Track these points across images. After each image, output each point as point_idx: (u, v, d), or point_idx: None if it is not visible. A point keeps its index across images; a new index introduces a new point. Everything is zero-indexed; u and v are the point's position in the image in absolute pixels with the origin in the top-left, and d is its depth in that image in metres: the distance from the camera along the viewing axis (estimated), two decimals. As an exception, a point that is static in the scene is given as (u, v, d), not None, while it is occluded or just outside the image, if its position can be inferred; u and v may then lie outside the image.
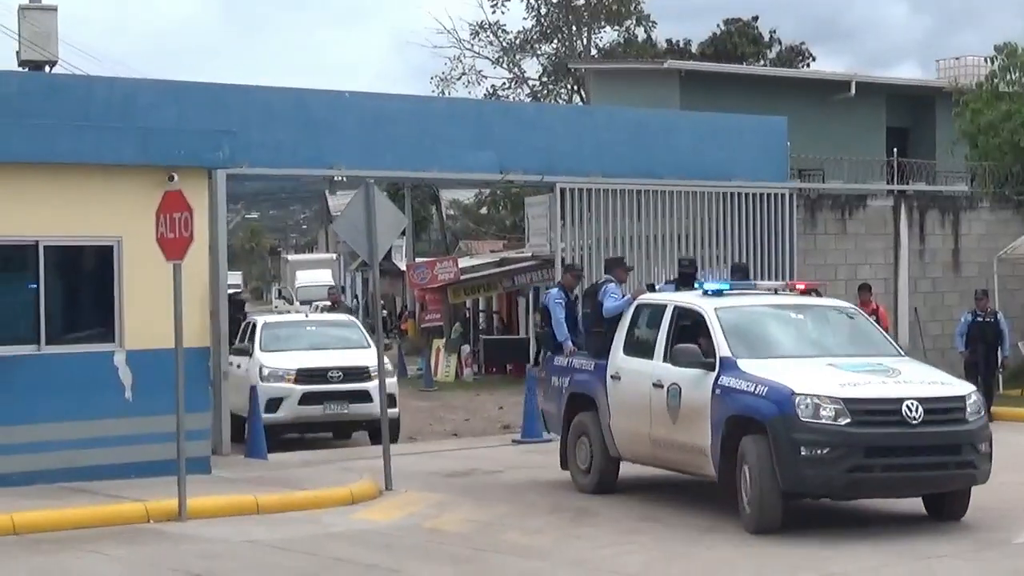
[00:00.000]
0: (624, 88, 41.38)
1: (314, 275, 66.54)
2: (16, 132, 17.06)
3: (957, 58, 40.77)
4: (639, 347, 16.16)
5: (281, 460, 19.86)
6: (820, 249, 29.31)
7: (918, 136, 39.84)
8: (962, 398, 13.92)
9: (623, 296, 17.07)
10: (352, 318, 26.39)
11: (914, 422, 13.41)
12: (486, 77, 58.24)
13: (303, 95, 23.01)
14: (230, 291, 25.26)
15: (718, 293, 15.71)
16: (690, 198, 26.47)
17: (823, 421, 13.38)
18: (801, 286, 16.84)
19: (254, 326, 24.48)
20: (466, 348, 40.88)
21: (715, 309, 15.14)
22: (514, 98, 56.83)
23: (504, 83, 58.49)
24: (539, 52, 58.25)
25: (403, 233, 33.99)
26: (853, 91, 38.48)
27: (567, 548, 13.56)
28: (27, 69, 22.35)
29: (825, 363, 14.36)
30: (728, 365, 14.44)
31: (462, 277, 41.03)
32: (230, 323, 24.15)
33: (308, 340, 24.25)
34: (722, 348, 14.59)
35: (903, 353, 15.48)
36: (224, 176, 20.01)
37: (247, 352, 23.51)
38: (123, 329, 17.23)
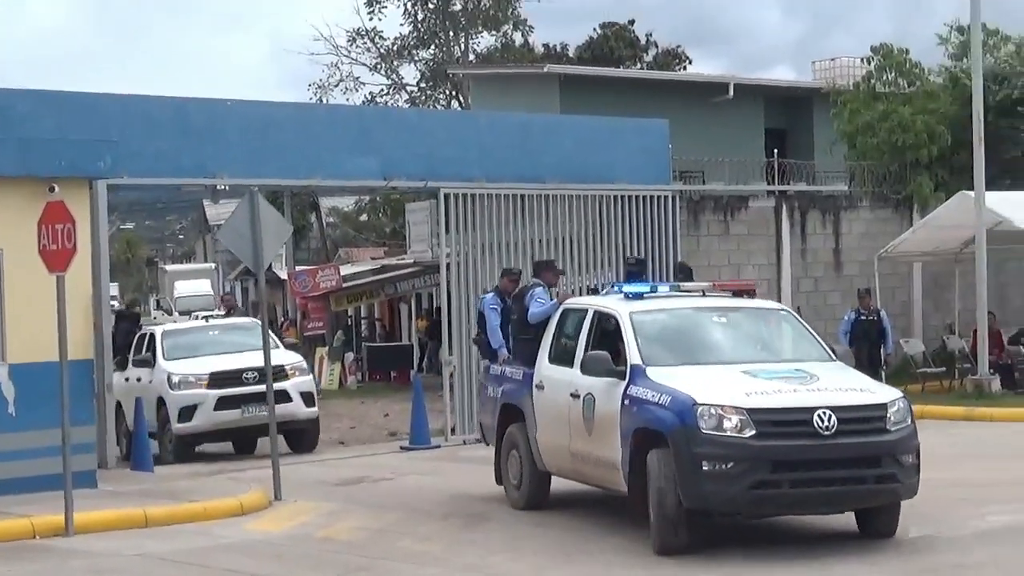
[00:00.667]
0: (504, 93, 41.47)
1: (193, 285, 66.05)
2: None
3: (832, 59, 41.31)
4: (562, 355, 15.31)
5: (168, 472, 19.69)
6: (704, 250, 29.57)
7: (796, 137, 40.35)
8: (883, 406, 12.88)
9: (550, 301, 16.35)
10: (255, 320, 25.60)
11: (826, 433, 12.42)
12: (364, 84, 58.13)
13: (184, 104, 22.79)
14: (120, 306, 25.01)
15: (638, 296, 14.70)
16: (575, 201, 26.55)
17: (726, 433, 12.40)
18: (730, 287, 16.35)
19: (152, 336, 23.73)
20: (349, 356, 40.82)
21: (630, 313, 14.23)
22: (393, 104, 56.73)
23: (382, 89, 58.41)
24: (417, 58, 58.23)
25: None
26: (731, 93, 38.88)
27: (459, 554, 13.54)
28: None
29: (740, 370, 13.33)
30: (637, 373, 13.48)
31: (344, 284, 40.90)
32: (126, 337, 23.85)
33: (213, 346, 23.48)
34: (633, 355, 13.71)
35: (834, 357, 14.47)
36: (105, 186, 19.78)
37: (148, 363, 22.87)
38: (5, 342, 16.96)
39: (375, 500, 17.29)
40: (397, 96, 58.39)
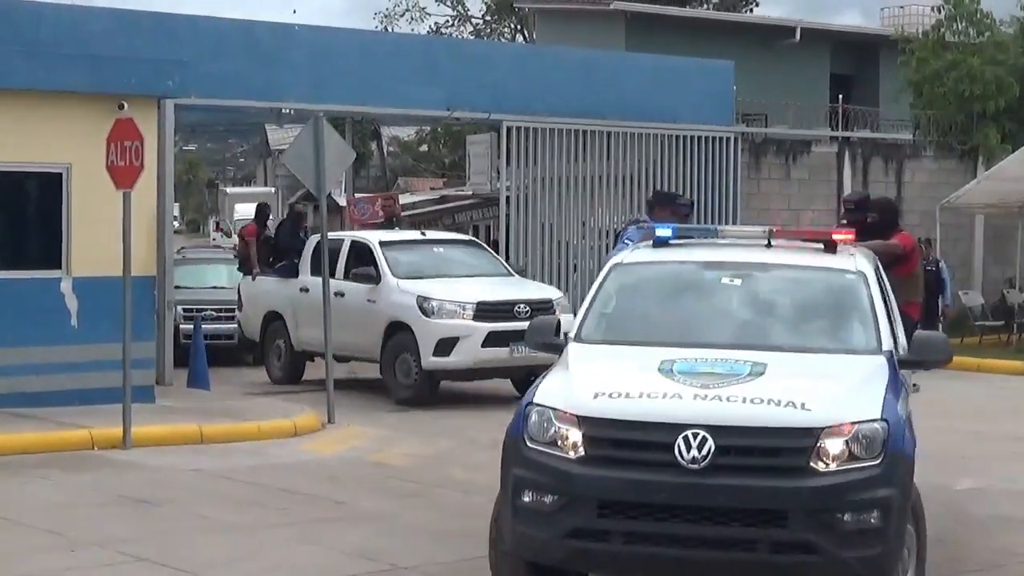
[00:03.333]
0: (569, 29, 41.36)
1: (252, 208, 66.26)
2: (-34, 56, 16.97)
3: (901, 7, 41.05)
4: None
5: (224, 391, 19.90)
6: (763, 193, 29.51)
7: (862, 84, 40.08)
8: (810, 432, 8.25)
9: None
10: (476, 240, 23.77)
11: (692, 465, 8.15)
12: (429, 14, 58.10)
13: (253, 27, 22.92)
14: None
15: (662, 241, 10.53)
16: (635, 140, 26.57)
17: (551, 451, 8.49)
18: (806, 235, 11.22)
19: (364, 247, 20.81)
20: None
21: (613, 266, 10.40)
22: (457, 36, 56.67)
23: (447, 20, 58.34)
24: (479, -11, 58.08)
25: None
26: (798, 37, 38.65)
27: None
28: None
29: (663, 356, 9.04)
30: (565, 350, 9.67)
31: (402, 214, 41.03)
32: (291, 239, 23.46)
33: (444, 266, 20.79)
34: (574, 327, 9.87)
35: (877, 349, 9.42)
36: (173, 106, 19.94)
37: (371, 278, 20.10)
38: (70, 256, 17.20)
39: (427, 428, 17.45)
40: (462, 28, 58.35)
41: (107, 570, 10.08)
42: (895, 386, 8.94)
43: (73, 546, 10.72)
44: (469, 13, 58.38)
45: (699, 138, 27.18)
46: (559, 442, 8.44)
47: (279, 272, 22.28)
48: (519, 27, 56.49)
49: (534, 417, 8.60)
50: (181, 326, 22.45)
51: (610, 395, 8.53)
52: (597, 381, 8.79)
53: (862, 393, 8.68)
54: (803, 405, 8.38)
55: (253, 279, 22.76)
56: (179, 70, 18.15)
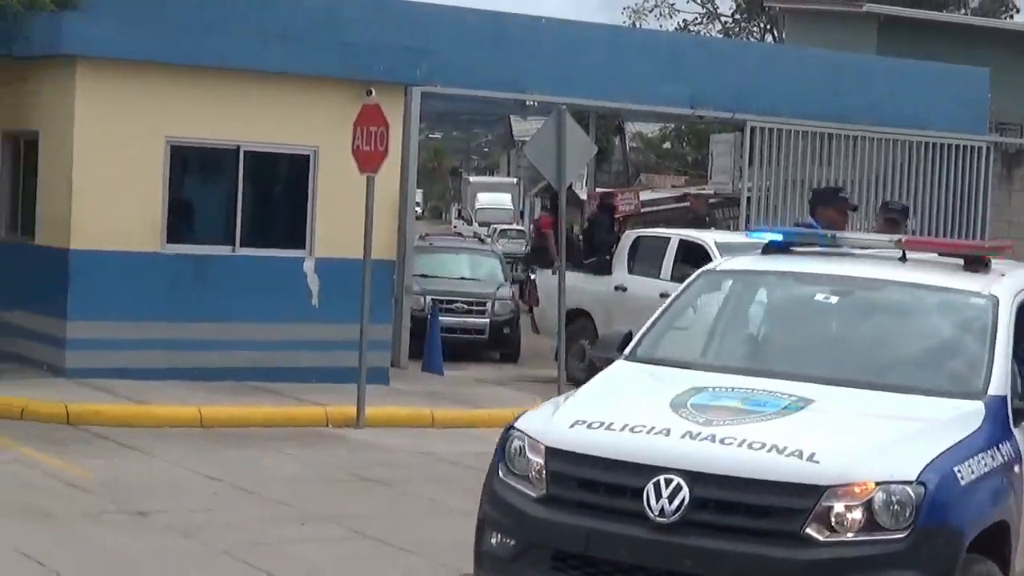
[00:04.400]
0: (819, 30, 40.82)
1: (494, 198, 66.92)
2: (225, 38, 17.51)
3: None
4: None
5: (457, 376, 20.14)
6: (1015, 207, 28.71)
7: None
8: (811, 491, 6.71)
9: None
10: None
11: (661, 519, 6.81)
12: (678, 11, 57.87)
13: (501, 18, 23.13)
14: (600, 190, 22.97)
15: (778, 246, 9.05)
16: (882, 145, 26.13)
17: (518, 486, 7.31)
18: (944, 248, 9.47)
19: (697, 247, 19.18)
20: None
21: (705, 272, 9.18)
22: (705, 34, 56.39)
23: (696, 18, 58.06)
24: (733, -12, 57.68)
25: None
26: (1058, 46, 37.55)
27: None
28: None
29: (694, 384, 7.68)
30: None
31: (643, 210, 41.01)
32: (606, 234, 23.18)
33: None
34: (637, 338, 8.53)
35: (978, 392, 7.57)
36: (419, 94, 20.25)
37: None
38: (314, 236, 17.62)
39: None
40: (710, 26, 58.02)
41: (333, 544, 10.32)
42: (978, 442, 7.13)
43: (303, 519, 10.99)
44: (718, 11, 58.06)
45: (949, 146, 26.61)
46: (528, 476, 7.24)
47: (590, 268, 21.85)
48: (768, 27, 55.96)
49: (509, 444, 7.40)
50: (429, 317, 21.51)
51: (589, 425, 7.20)
52: (590, 408, 7.49)
53: (908, 445, 6.93)
54: (812, 455, 6.73)
55: (553, 272, 21.36)
56: (426, 59, 18.48)
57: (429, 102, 21.77)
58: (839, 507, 6.63)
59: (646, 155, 65.44)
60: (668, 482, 6.76)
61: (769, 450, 6.79)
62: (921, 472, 6.71)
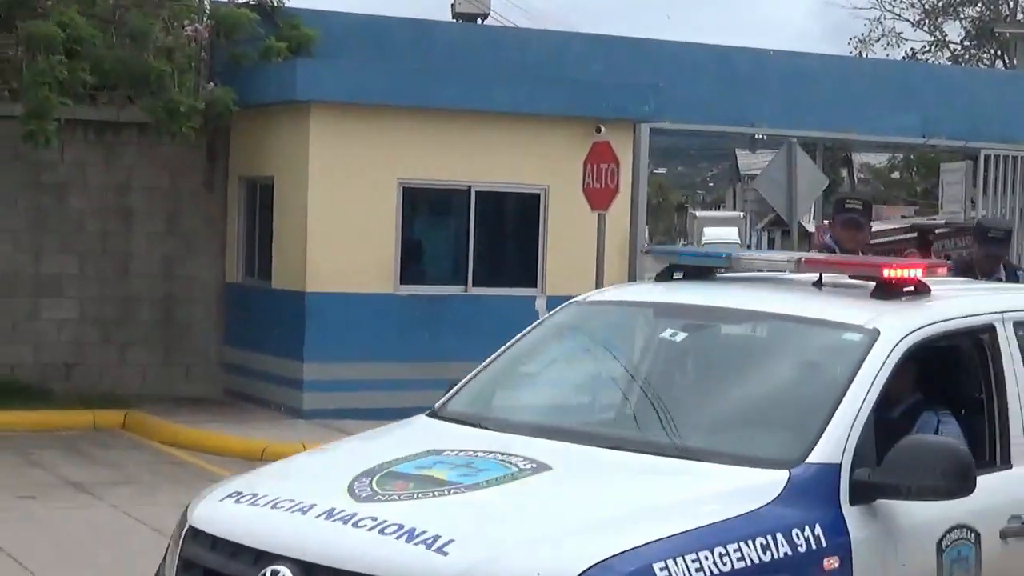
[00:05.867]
0: (1054, 54, 39.85)
1: (720, 232, 66.53)
2: (454, 80, 17.73)
3: None
4: None
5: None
6: None
7: None
8: None
9: None
10: None
11: None
12: (905, 39, 57.01)
13: (727, 52, 22.99)
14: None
15: (674, 271, 7.48)
16: (1124, 170, 25.32)
17: (161, 569, 6.13)
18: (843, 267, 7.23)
19: None
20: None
21: (564, 306, 7.51)
22: (934, 62, 55.43)
23: (924, 46, 57.10)
24: (962, 16, 56.59)
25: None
26: None
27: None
28: (460, 21, 23.05)
29: (432, 446, 6.21)
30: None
31: (872, 242, 40.39)
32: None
33: None
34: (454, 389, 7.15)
35: (793, 460, 5.74)
36: (647, 130, 20.24)
37: None
38: (545, 275, 17.70)
39: None
40: (939, 53, 56.99)
41: None
42: (741, 527, 5.39)
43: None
44: (947, 39, 57.02)
45: None
46: (167, 559, 6.00)
47: None
48: (999, 53, 54.77)
49: (182, 513, 6.11)
50: None
51: (240, 498, 5.87)
52: (277, 475, 6.39)
53: (604, 532, 5.24)
54: (445, 544, 5.19)
55: None
56: (655, 95, 18.48)
57: (655, 137, 21.74)
58: None
59: (874, 185, 64.53)
60: (275, 574, 5.33)
61: (400, 535, 5.30)
62: (588, 570, 5.01)
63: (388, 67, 18.14)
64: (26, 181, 17.94)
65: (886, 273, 6.50)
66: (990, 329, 6.53)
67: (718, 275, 7.32)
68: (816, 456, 5.69)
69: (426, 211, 18.14)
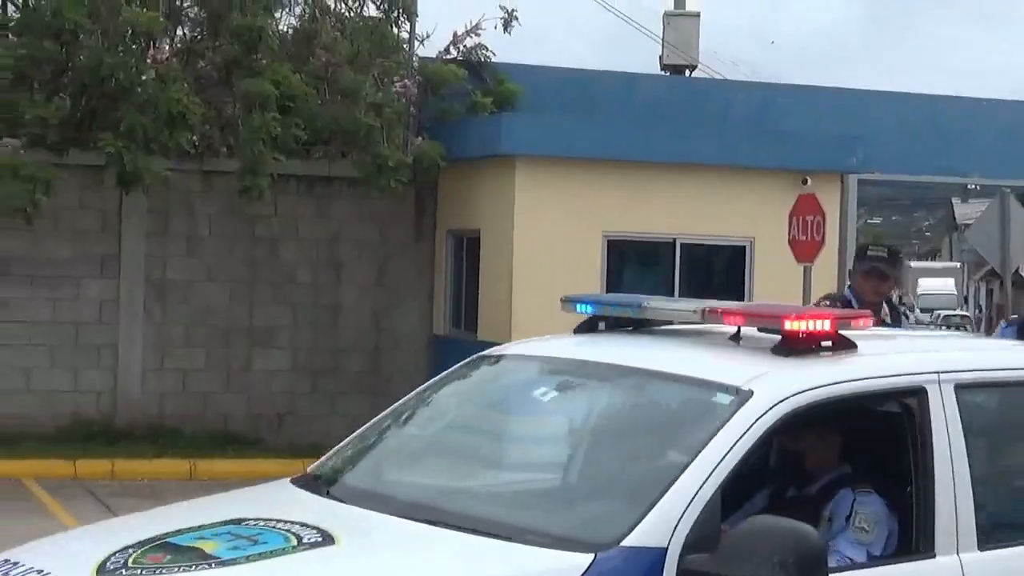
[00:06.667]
0: None
1: (937, 283, 65.36)
2: (661, 134, 17.78)
3: None
4: None
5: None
6: None
7: None
8: None
9: None
10: None
11: None
12: None
13: (937, 102, 22.64)
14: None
15: (588, 324, 6.92)
16: None
17: None
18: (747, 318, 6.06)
19: None
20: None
21: (472, 360, 6.93)
22: None
23: None
24: None
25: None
26: None
27: None
28: (668, 74, 23.11)
29: (239, 516, 5.59)
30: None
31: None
32: None
33: None
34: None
35: (608, 541, 4.90)
36: (855, 181, 20.01)
37: None
38: (750, 328, 17.58)
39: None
40: None
41: None
42: None
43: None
44: None
45: None
46: None
47: None
48: None
49: None
50: None
51: (3, 565, 5.29)
52: (53, 543, 5.79)
53: None
54: None
55: None
56: (862, 146, 18.29)
57: (865, 187, 21.48)
58: None
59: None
60: None
61: None
62: None
63: (593, 121, 18.26)
64: (241, 234, 18.41)
65: (787, 325, 5.59)
66: (919, 393, 5.55)
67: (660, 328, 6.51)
68: (635, 538, 4.85)
69: (631, 263, 18.16)
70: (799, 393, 5.30)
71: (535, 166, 17.21)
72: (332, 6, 19.22)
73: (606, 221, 17.35)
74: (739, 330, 5.90)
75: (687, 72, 23.84)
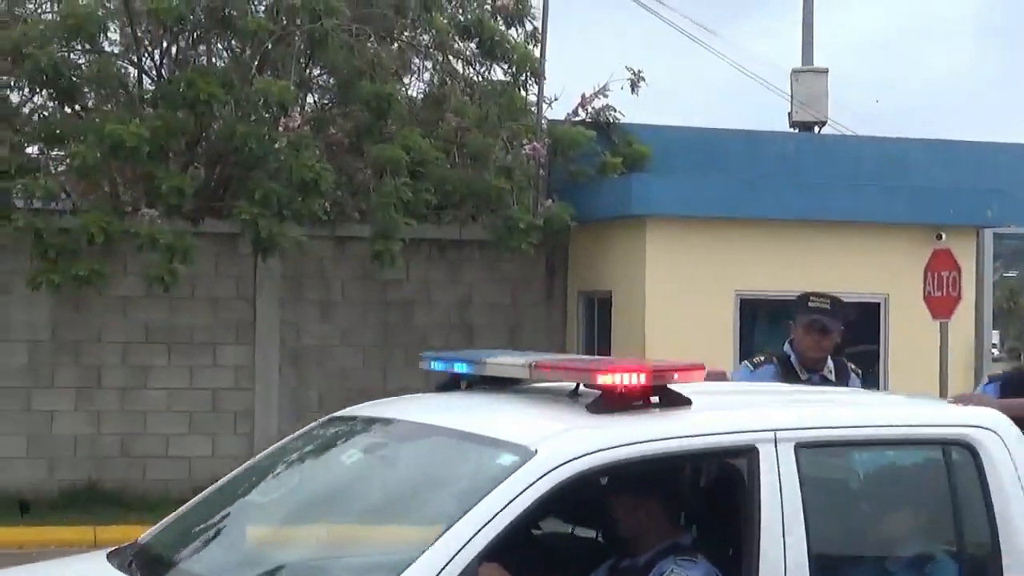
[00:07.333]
0: None
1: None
2: (792, 191, 17.68)
3: None
4: None
5: None
6: None
7: None
8: None
9: None
10: None
11: None
12: None
13: (1076, 150, 22.29)
14: None
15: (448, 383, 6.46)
16: None
17: None
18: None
19: None
20: None
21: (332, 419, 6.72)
22: None
23: None
24: None
25: None
26: None
27: None
28: (797, 130, 22.98)
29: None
30: None
31: None
32: None
33: None
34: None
35: None
36: (991, 235, 19.75)
37: None
38: (887, 386, 17.34)
39: None
40: None
41: None
42: None
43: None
44: None
45: None
46: None
47: None
48: None
49: None
50: None
51: None
52: None
53: None
54: None
55: None
56: (998, 199, 18.04)
57: (1001, 240, 21.16)
58: None
59: None
60: None
61: None
62: None
63: (722, 180, 18.19)
64: (374, 299, 18.55)
65: (599, 380, 5.22)
66: (748, 452, 5.13)
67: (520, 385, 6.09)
68: None
69: (764, 322, 18.01)
70: (587, 455, 4.93)
71: (665, 226, 17.18)
72: (461, 71, 19.40)
73: (738, 279, 17.26)
74: (577, 386, 5.60)
75: (816, 128, 23.68)
